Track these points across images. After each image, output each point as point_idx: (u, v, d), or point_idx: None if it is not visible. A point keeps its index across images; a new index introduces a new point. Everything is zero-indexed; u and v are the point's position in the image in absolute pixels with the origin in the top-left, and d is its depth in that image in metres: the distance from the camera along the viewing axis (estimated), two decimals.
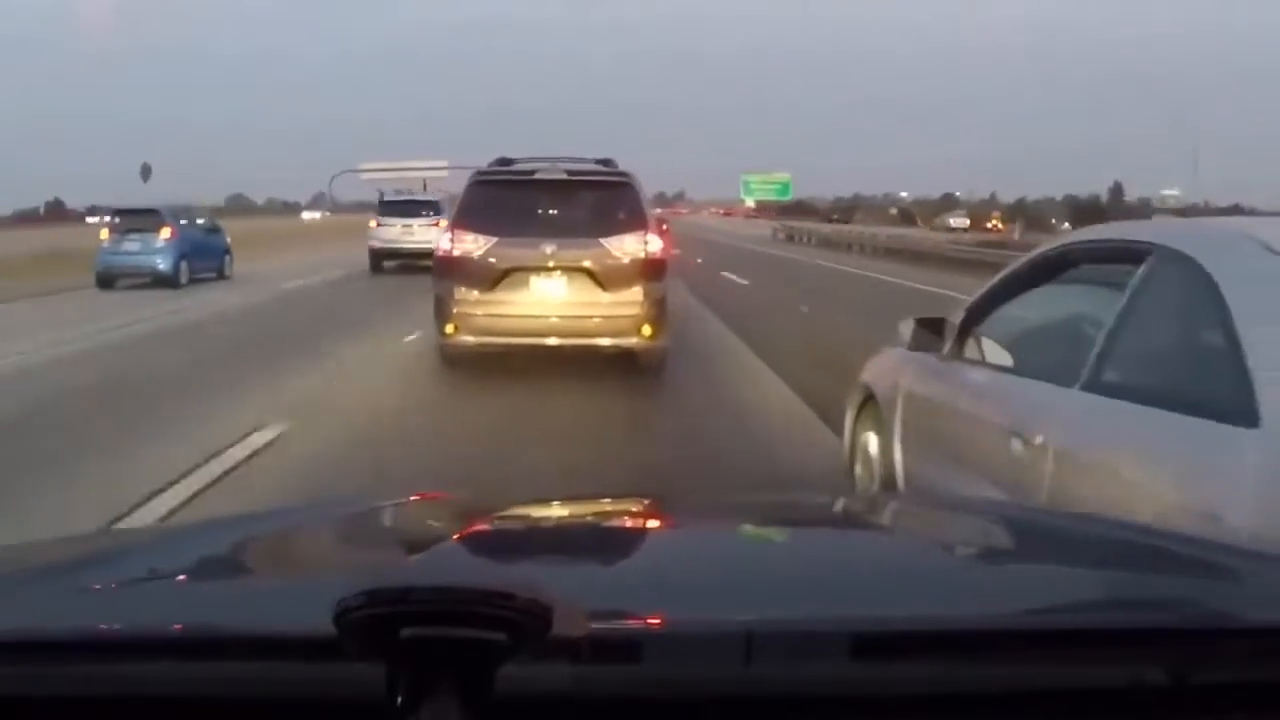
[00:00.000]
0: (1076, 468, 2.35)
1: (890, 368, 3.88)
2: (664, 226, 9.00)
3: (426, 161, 62.79)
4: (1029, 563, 1.29)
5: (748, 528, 1.51)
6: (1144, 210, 73.98)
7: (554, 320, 8.17)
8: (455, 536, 1.29)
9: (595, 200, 8.46)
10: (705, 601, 0.98)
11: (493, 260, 8.16)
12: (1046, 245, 3.36)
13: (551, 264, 8.13)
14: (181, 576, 1.13)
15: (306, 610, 0.82)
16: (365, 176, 69.29)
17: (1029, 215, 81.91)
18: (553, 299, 8.18)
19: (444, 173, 49.57)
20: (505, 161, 8.80)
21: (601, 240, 8.20)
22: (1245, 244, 2.39)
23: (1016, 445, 2.60)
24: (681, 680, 0.82)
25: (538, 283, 8.18)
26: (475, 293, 8.17)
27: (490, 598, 0.74)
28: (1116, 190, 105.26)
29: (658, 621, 0.89)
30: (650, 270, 8.23)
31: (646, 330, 8.14)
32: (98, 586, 1.08)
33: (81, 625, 0.91)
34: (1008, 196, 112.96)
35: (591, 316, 8.16)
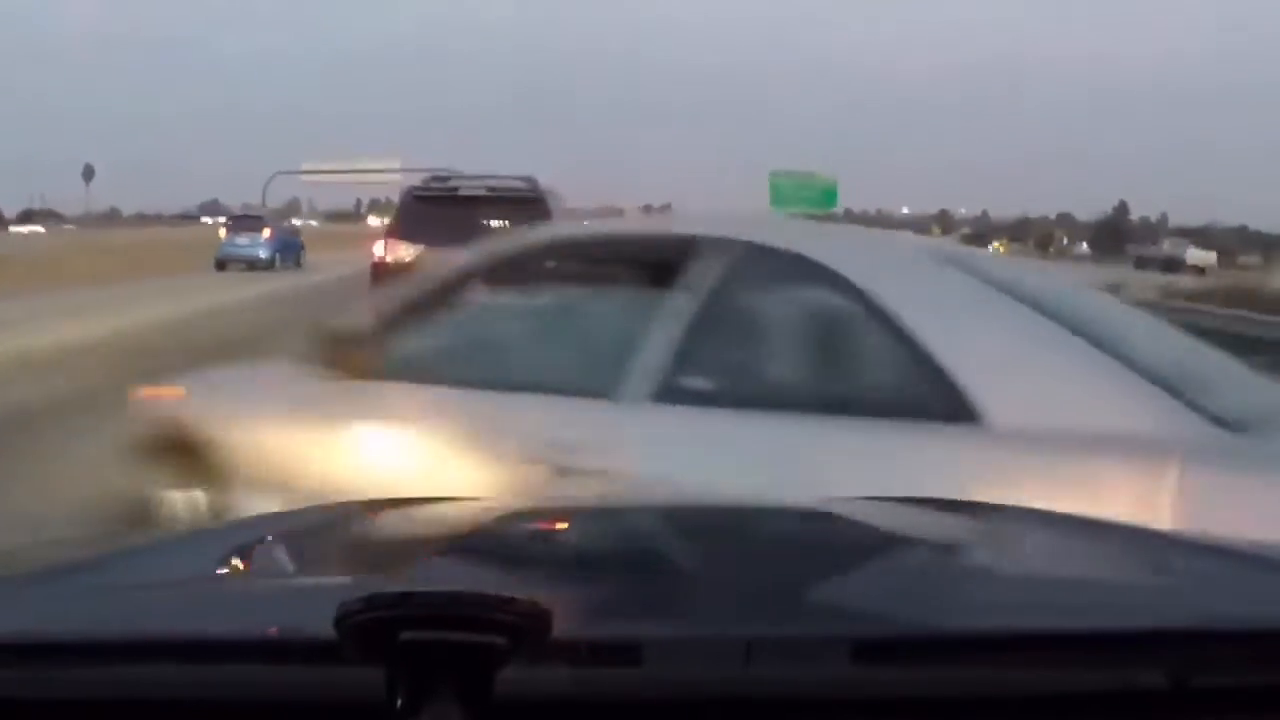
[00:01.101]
0: (667, 490, 2.11)
1: (243, 394, 3.09)
2: None
3: (377, 162, 55.75)
4: (1027, 566, 1.29)
5: (747, 532, 1.51)
6: (1153, 231, 74.50)
7: None
8: (455, 540, 1.29)
9: (512, 215, 9.36)
10: (705, 605, 0.98)
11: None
12: (489, 247, 3.05)
13: None
14: (181, 580, 1.14)
15: (306, 614, 0.83)
16: (306, 178, 61.88)
17: (1038, 235, 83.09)
18: None
19: (397, 175, 42.96)
20: (440, 178, 10.29)
21: None
22: (870, 237, 2.34)
23: (537, 471, 2.24)
24: (681, 683, 0.82)
25: None
26: None
27: (490, 601, 0.74)
28: (1121, 209, 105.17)
29: (658, 625, 0.89)
30: None
31: None
32: (98, 590, 1.08)
33: (81, 628, 0.91)
34: (1022, 213, 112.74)
35: None
